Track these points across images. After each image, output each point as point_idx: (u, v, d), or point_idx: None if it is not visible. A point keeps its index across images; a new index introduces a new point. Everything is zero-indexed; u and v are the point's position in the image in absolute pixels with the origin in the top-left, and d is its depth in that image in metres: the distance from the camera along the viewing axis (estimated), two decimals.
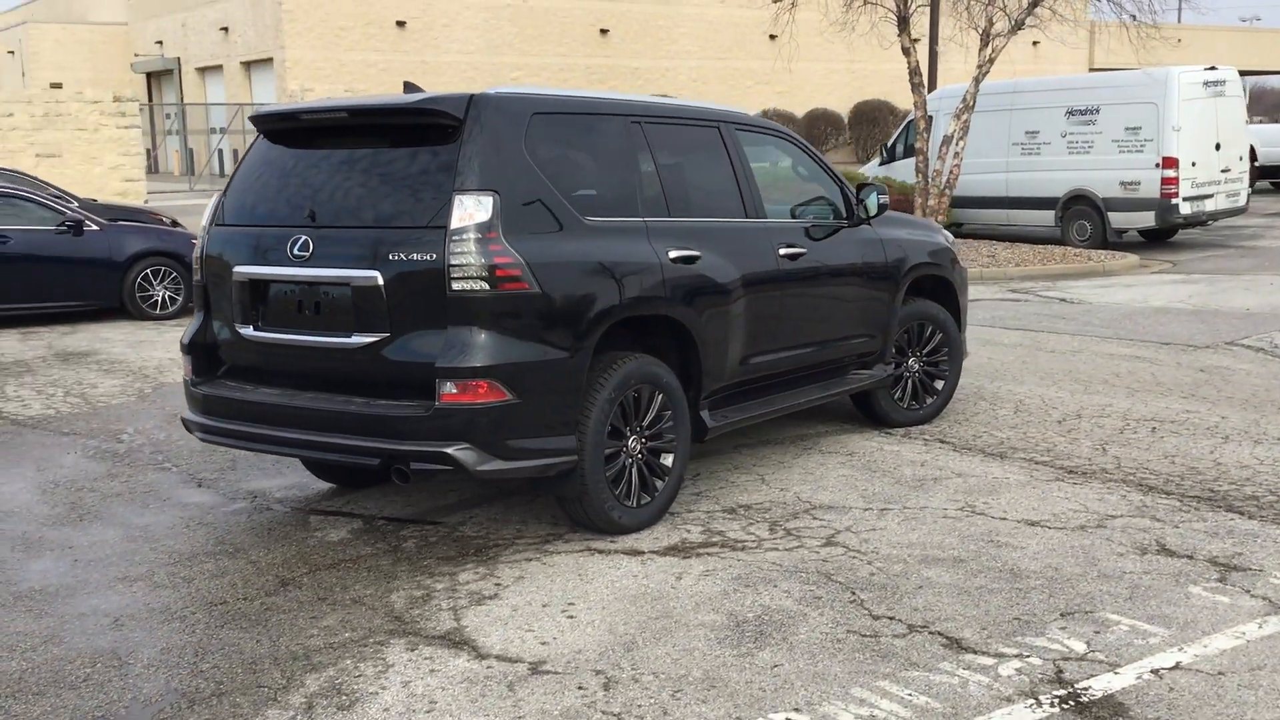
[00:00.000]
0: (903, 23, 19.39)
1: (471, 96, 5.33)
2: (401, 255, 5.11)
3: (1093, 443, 7.37)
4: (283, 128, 5.76)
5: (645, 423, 5.79)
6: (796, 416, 8.04)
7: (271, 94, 37.59)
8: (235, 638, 4.57)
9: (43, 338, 12.29)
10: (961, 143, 19.20)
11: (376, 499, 6.35)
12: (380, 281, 5.14)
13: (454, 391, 5.02)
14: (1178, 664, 4.25)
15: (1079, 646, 4.41)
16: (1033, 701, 3.99)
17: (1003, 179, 20.88)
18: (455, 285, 5.02)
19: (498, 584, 5.11)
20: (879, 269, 7.39)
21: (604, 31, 41.93)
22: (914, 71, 19.58)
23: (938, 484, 6.52)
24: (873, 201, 7.24)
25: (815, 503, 6.21)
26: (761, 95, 44.01)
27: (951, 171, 19.39)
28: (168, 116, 43.03)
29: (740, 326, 6.30)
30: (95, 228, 13.43)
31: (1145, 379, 9.34)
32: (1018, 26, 18.90)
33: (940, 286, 8.14)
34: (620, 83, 41.93)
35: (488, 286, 5.04)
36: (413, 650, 4.43)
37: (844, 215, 7.30)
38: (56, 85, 46.51)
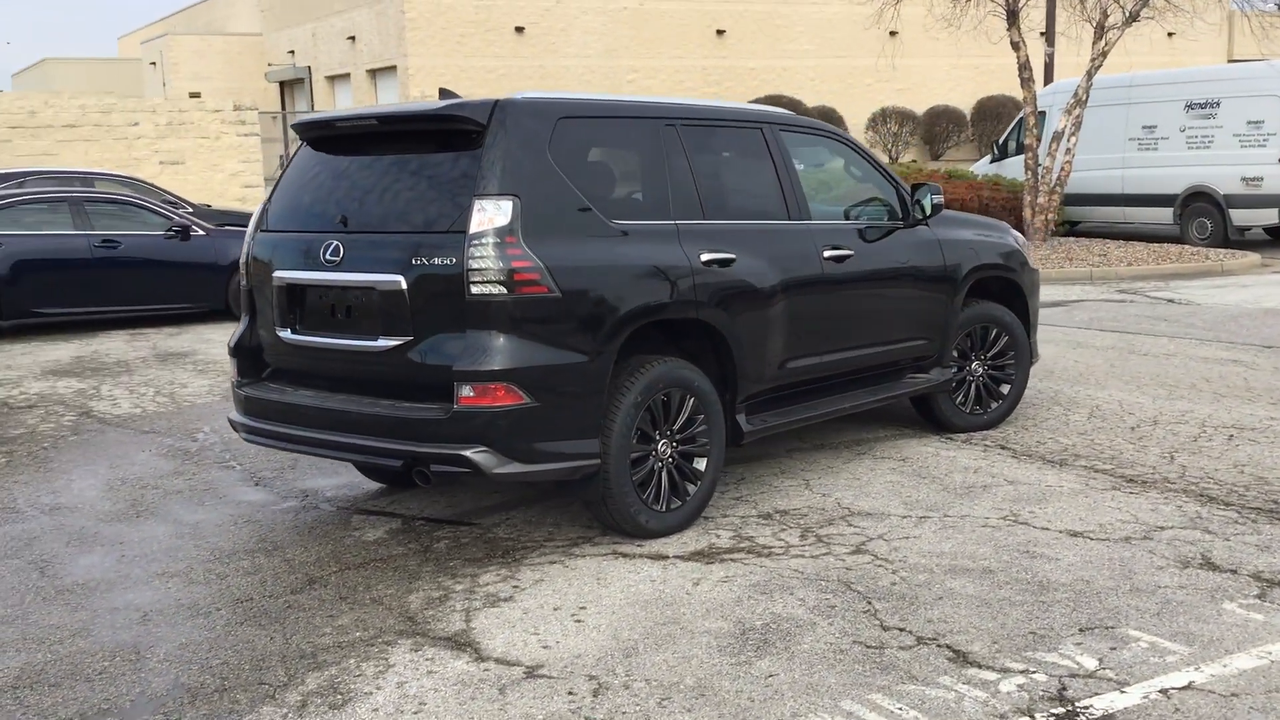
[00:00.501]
0: (1011, 16, 18.95)
1: (496, 102, 5.38)
2: (424, 260, 5.18)
3: (1162, 450, 7.11)
4: (321, 135, 5.89)
5: (676, 427, 5.77)
6: (856, 420, 7.93)
7: (394, 101, 38.38)
8: (251, 635, 4.68)
9: (149, 339, 12.76)
10: (1073, 139, 18.70)
11: (420, 500, 6.45)
12: (404, 286, 5.22)
13: (471, 395, 5.07)
14: (1190, 684, 4.08)
15: (1090, 663, 4.26)
16: (1026, 719, 3.88)
17: (1119, 175, 20.29)
18: (474, 289, 5.07)
19: (516, 586, 5.14)
20: (935, 271, 7.24)
21: (720, 32, 41.82)
22: (1023, 66, 19.12)
23: (986, 491, 6.36)
24: (928, 202, 7.10)
25: (854, 509, 6.11)
26: (881, 93, 43.42)
27: (1062, 169, 18.90)
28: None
29: (779, 330, 6.23)
30: (202, 233, 13.91)
31: (1236, 384, 8.99)
32: (1132, 19, 18.32)
33: (1008, 289, 7.95)
34: (736, 84, 41.81)
35: (506, 290, 5.08)
36: (417, 651, 4.49)
37: (899, 216, 7.18)
38: (195, 94, 48.21)
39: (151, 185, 17.54)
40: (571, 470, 5.35)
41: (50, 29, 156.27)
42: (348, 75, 42.38)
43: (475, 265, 5.06)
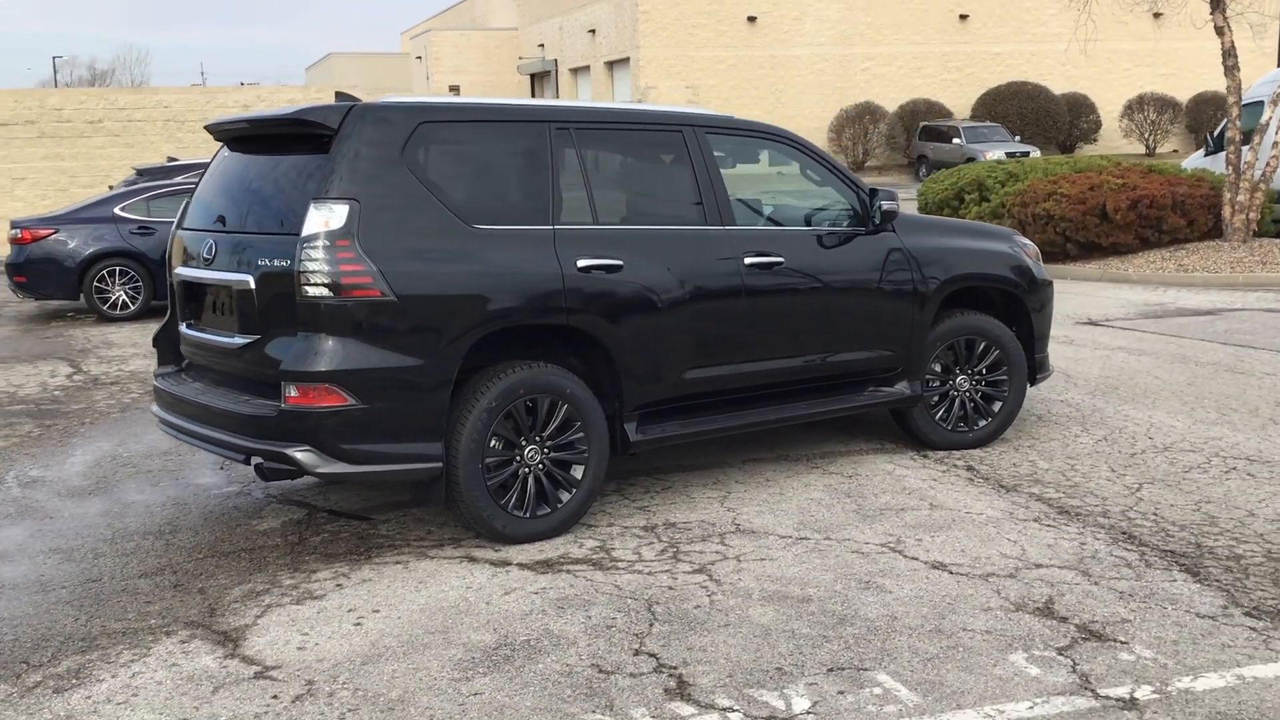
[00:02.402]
0: (1215, 0, 17.55)
1: (350, 107, 5.52)
2: (268, 261, 5.38)
3: (1134, 480, 6.56)
4: (222, 136, 6.18)
5: (547, 433, 5.76)
6: (839, 430, 7.68)
7: (627, 91, 39.07)
8: (62, 615, 5.01)
9: None
10: None
11: (343, 492, 6.65)
12: (252, 285, 5.44)
13: (296, 395, 5.24)
14: None
15: (800, 705, 4.05)
16: None
17: None
18: (306, 291, 5.23)
19: (338, 585, 5.29)
20: (899, 280, 6.90)
21: (963, 17, 40.46)
22: (1227, 53, 17.67)
23: (894, 515, 6.05)
24: (881, 207, 6.78)
25: (744, 527, 5.94)
26: (1140, 78, 40.97)
27: (1268, 164, 17.39)
28: None
29: (680, 338, 6.11)
30: None
31: None
32: None
33: (1008, 301, 7.49)
34: (979, 69, 40.35)
35: (333, 293, 5.21)
36: (184, 643, 4.70)
37: (861, 221, 6.89)
38: (454, 88, 50.53)
39: None
40: (406, 472, 5.45)
41: (344, 23, 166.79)
42: (588, 67, 43.47)
43: (306, 268, 5.21)
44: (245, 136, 6.02)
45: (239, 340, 5.55)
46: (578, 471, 5.88)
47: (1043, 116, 38.27)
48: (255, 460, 5.39)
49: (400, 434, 5.38)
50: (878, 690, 4.15)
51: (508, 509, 5.68)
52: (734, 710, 4.04)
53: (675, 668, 4.37)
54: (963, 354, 7.28)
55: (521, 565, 5.47)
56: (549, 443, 5.78)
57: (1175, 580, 5.10)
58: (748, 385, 6.53)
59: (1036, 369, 7.62)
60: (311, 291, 5.23)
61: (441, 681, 4.31)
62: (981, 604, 4.89)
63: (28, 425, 8.58)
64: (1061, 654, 4.41)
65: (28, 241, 13.84)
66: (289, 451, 5.24)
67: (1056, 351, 10.47)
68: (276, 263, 5.34)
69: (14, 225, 14.18)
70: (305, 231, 5.24)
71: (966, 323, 7.25)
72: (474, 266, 5.53)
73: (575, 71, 44.85)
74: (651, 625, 4.75)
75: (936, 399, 7.26)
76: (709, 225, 6.32)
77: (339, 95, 6.59)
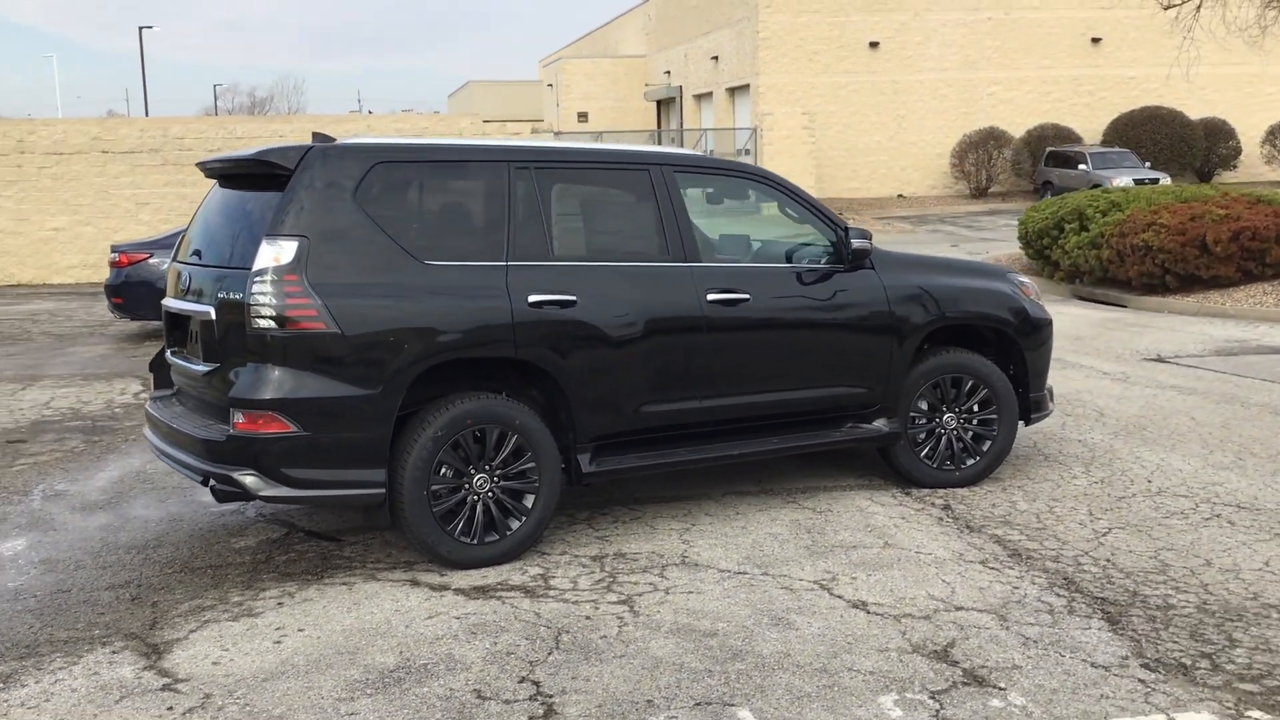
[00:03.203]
0: None
1: (309, 148, 5.82)
2: (226, 294, 5.71)
3: (1107, 525, 6.47)
4: (208, 175, 6.53)
5: (496, 463, 5.95)
6: (832, 465, 7.71)
7: (746, 118, 39.18)
8: (19, 622, 5.37)
9: None
10: None
11: (330, 514, 6.95)
12: (212, 316, 5.77)
13: (242, 421, 5.55)
14: None
15: None
16: None
17: None
18: (255, 323, 5.54)
19: (280, 603, 5.56)
20: (876, 316, 6.92)
21: (1096, 40, 39.50)
22: None
23: (843, 553, 6.08)
24: (852, 246, 6.81)
25: (690, 560, 6.04)
26: None
27: None
28: (672, 140, 45.96)
29: (638, 373, 6.26)
30: None
31: None
32: None
33: (1001, 339, 7.44)
34: (1111, 93, 39.34)
35: (278, 326, 5.51)
36: (114, 654, 5.00)
37: (839, 258, 6.94)
38: (583, 115, 51.35)
39: None
40: (349, 498, 5.71)
41: (492, 51, 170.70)
42: (710, 94, 43.72)
43: (255, 301, 5.52)
44: (226, 174, 6.37)
45: (203, 368, 5.89)
46: (529, 500, 6.05)
47: (1177, 142, 37.09)
48: (210, 482, 5.71)
49: (343, 461, 5.64)
50: None
51: (454, 535, 5.88)
52: None
53: (551, 696, 4.51)
54: (949, 392, 7.24)
55: (458, 590, 5.67)
56: (498, 472, 5.97)
57: (1090, 629, 5.04)
58: (713, 420, 6.62)
59: (1032, 408, 7.53)
60: (260, 323, 5.53)
61: (326, 701, 4.53)
62: (881, 644, 4.91)
63: (75, 440, 9.13)
64: (933, 698, 4.42)
65: (125, 265, 14.63)
66: (235, 475, 5.54)
67: (1103, 388, 10.29)
68: (232, 295, 5.66)
69: (113, 250, 15.01)
70: (256, 266, 5.55)
71: (953, 360, 7.22)
72: (420, 301, 5.77)
73: (699, 98, 45.15)
74: (550, 654, 4.90)
75: (924, 436, 7.24)
76: (671, 262, 6.45)
77: (315, 135, 6.88)
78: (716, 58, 42.29)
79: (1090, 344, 12.93)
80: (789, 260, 7.05)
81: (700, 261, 6.56)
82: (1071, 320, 14.87)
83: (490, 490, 5.97)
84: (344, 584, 5.80)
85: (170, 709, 4.48)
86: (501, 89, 61.77)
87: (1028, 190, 37.95)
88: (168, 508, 7.23)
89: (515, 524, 6.03)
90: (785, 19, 38.34)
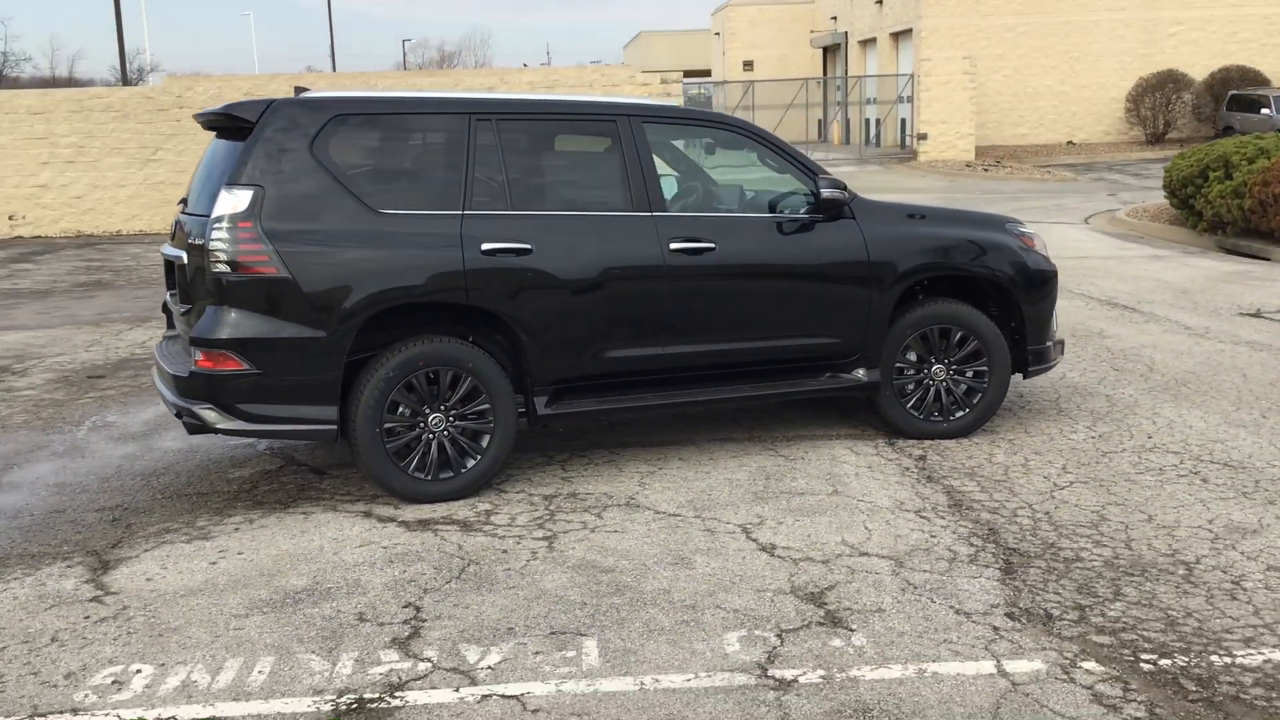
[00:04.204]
0: None
1: (270, 102, 6.16)
2: (193, 240, 6.13)
3: (1070, 479, 6.38)
4: (205, 126, 6.94)
5: (451, 403, 6.24)
6: (839, 414, 7.74)
7: (909, 63, 38.31)
8: (5, 539, 5.94)
9: None
10: None
11: (326, 449, 7.36)
12: (185, 260, 6.20)
13: (201, 359, 5.97)
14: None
15: (490, 660, 4.40)
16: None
17: None
18: (214, 267, 5.94)
19: (237, 529, 5.97)
20: (852, 266, 6.91)
21: None
22: None
23: (785, 499, 6.18)
24: (821, 195, 6.81)
25: (633, 502, 6.22)
26: None
27: None
28: (837, 89, 45.30)
29: (597, 319, 6.43)
30: None
31: None
32: None
33: (997, 290, 7.33)
34: None
35: (232, 270, 5.90)
36: (68, 568, 5.47)
37: (818, 209, 6.94)
38: (748, 63, 50.97)
39: None
40: (302, 433, 6.08)
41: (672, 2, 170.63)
42: (874, 40, 42.86)
43: (213, 246, 5.92)
44: (212, 127, 6.78)
45: (182, 308, 6.34)
46: (485, 440, 6.32)
47: None
48: (180, 415, 6.16)
49: (295, 398, 6.01)
50: (571, 653, 4.44)
51: (408, 471, 6.20)
52: (427, 661, 4.43)
53: (424, 621, 4.79)
54: (938, 343, 7.18)
55: (402, 523, 6.00)
56: (453, 412, 6.26)
57: (980, 578, 5.04)
58: (680, 366, 6.74)
59: (1030, 360, 7.40)
60: (218, 268, 5.93)
61: (221, 617, 4.90)
62: (762, 585, 5.02)
63: (147, 378, 9.82)
64: (780, 636, 4.52)
65: None
66: (195, 409, 5.98)
67: (1170, 343, 9.96)
68: (197, 241, 6.07)
69: None
70: (214, 213, 5.95)
71: (940, 311, 7.15)
72: (371, 249, 6.07)
73: (864, 44, 44.29)
74: (449, 583, 5.17)
75: (912, 387, 7.21)
76: (634, 212, 6.58)
77: (296, 89, 7.20)
78: (880, 1, 41.37)
79: (1193, 298, 12.41)
80: (773, 210, 7.08)
81: (666, 211, 6.66)
82: (1191, 273, 14.28)
83: (446, 430, 6.26)
84: (304, 513, 6.20)
85: (87, 617, 4.93)
86: (674, 39, 61.69)
87: (1208, 136, 36.03)
88: (191, 440, 7.76)
89: (470, 462, 6.31)
90: None
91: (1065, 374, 8.91)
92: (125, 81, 39.06)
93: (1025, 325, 7.33)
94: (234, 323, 5.94)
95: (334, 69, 64.52)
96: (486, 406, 6.30)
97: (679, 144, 7.53)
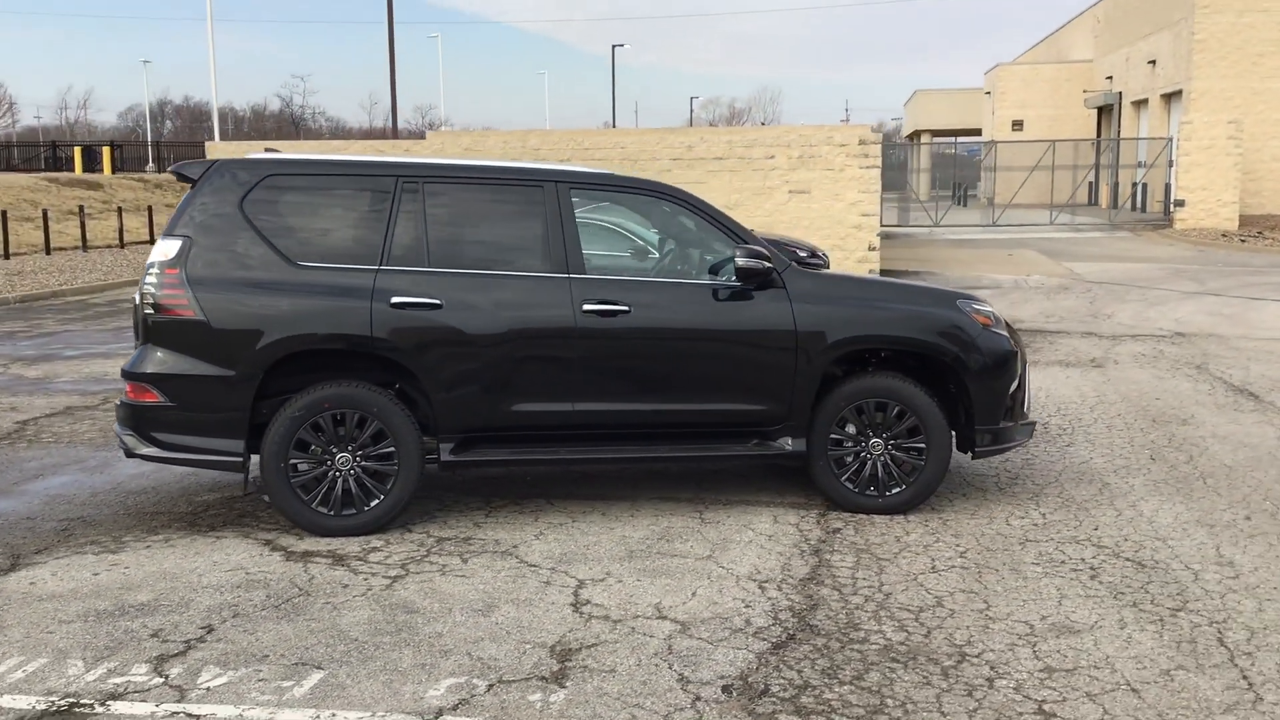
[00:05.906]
0: None
1: (214, 163, 6.79)
2: (141, 284, 6.81)
3: (948, 564, 6.15)
4: (179, 181, 7.63)
5: (358, 444, 6.65)
6: (792, 479, 7.70)
7: (1174, 126, 36.35)
8: None
9: None
10: None
11: None
12: (137, 301, 6.90)
13: (129, 390, 6.62)
14: None
15: (138, 672, 4.73)
16: None
17: None
18: (145, 308, 6.61)
19: (147, 546, 6.55)
20: (777, 335, 6.89)
21: None
22: None
23: (652, 559, 6.25)
24: (737, 264, 6.83)
25: (509, 551, 6.40)
26: None
27: None
28: (1107, 149, 43.47)
29: (506, 374, 6.70)
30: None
31: None
32: None
33: (943, 367, 7.13)
34: None
35: (156, 312, 6.54)
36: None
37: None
38: (1017, 123, 49.59)
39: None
40: (211, 463, 6.64)
41: (969, 60, 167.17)
42: (1146, 100, 40.94)
43: (145, 289, 6.60)
44: (183, 181, 7.47)
45: (136, 345, 7.05)
46: (390, 482, 6.70)
47: None
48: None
49: (204, 431, 6.57)
50: (289, 684, 4.73)
51: (311, 505, 6.65)
52: (162, 676, 4.81)
53: (205, 642, 5.17)
54: (874, 416, 7.04)
55: (290, 552, 6.43)
56: (359, 453, 6.66)
57: (743, 649, 5.01)
58: (592, 424, 6.91)
59: (982, 440, 7.13)
60: (146, 309, 6.59)
61: (48, 621, 5.43)
62: (533, 638, 5.17)
63: None
64: (489, 687, 4.66)
65: None
66: (121, 435, 6.64)
67: (1256, 434, 9.22)
68: (140, 285, 6.76)
69: None
70: (149, 260, 6.61)
71: (876, 384, 7.02)
72: (282, 297, 6.58)
73: (1136, 105, 42.29)
74: (262, 610, 5.56)
75: (850, 459, 7.09)
76: (551, 273, 6.82)
77: (267, 149, 7.73)
78: (1153, 61, 39.48)
79: None
80: (714, 274, 7.15)
81: (584, 274, 6.86)
82: None
83: (352, 469, 6.67)
84: (216, 537, 6.73)
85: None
86: (948, 97, 60.68)
87: None
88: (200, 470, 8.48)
89: (374, 501, 6.69)
90: (1226, 20, 35.18)
91: (1090, 458, 8.46)
92: (395, 134, 42.17)
93: (972, 403, 7.07)
94: (156, 360, 6.57)
95: (614, 124, 66.93)
96: (392, 449, 6.67)
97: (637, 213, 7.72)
